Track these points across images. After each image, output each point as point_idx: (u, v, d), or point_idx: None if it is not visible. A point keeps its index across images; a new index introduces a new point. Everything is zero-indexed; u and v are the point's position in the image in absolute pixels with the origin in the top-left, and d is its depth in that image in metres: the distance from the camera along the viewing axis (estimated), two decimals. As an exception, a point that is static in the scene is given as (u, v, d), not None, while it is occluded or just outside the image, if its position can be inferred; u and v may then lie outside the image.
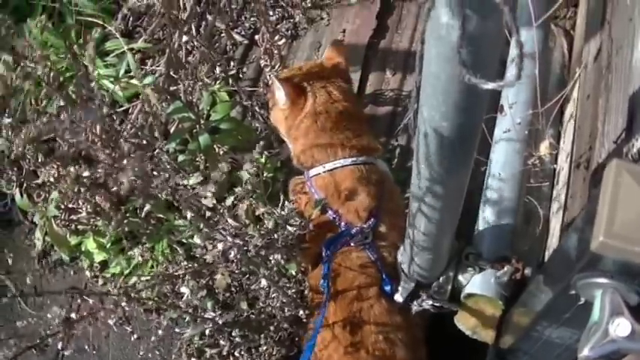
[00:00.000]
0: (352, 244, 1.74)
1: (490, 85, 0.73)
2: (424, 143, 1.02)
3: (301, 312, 1.77)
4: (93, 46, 1.51)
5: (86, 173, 1.50)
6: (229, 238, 1.50)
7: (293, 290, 1.83)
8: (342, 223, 1.77)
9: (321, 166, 1.85)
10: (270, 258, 1.69)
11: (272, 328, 1.87)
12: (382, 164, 1.95)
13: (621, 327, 0.84)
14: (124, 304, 1.38)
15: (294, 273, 1.90)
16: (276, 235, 1.63)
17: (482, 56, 0.78)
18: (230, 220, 1.63)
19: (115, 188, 1.44)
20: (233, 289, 1.95)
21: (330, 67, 1.99)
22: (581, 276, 0.93)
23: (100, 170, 1.44)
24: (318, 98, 1.89)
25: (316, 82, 1.92)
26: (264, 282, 1.64)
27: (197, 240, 1.80)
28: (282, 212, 1.69)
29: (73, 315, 1.42)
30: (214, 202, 1.66)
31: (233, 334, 1.87)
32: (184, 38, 2.00)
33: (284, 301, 1.79)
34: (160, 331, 1.91)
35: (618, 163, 0.87)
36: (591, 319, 0.89)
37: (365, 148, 1.88)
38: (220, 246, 1.52)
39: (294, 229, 1.69)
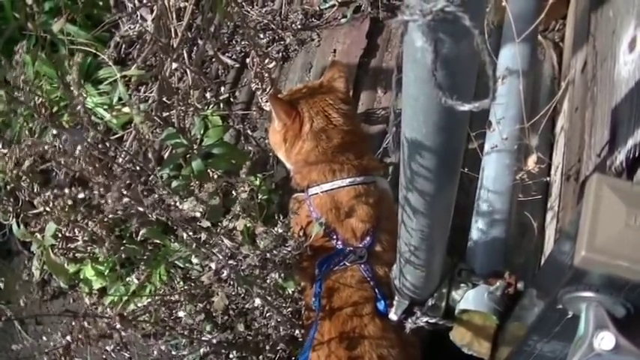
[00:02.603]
0: (347, 263, 1.74)
1: (466, 107, 0.74)
2: (408, 163, 1.03)
3: (297, 331, 1.78)
4: (75, 67, 1.53)
5: (81, 195, 1.52)
6: (220, 257, 1.51)
7: (289, 309, 1.83)
8: (339, 242, 1.77)
9: (319, 187, 1.83)
10: (267, 277, 1.70)
11: (268, 348, 1.88)
12: (383, 182, 1.93)
13: (606, 340, 0.85)
14: (119, 326, 1.39)
15: (290, 292, 1.90)
16: (269, 255, 1.64)
17: (458, 78, 0.79)
18: (226, 240, 1.64)
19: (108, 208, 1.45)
20: (231, 311, 1.96)
21: (330, 87, 1.95)
22: (566, 290, 0.94)
23: (95, 192, 1.46)
24: (316, 120, 1.85)
25: (315, 102, 1.88)
26: (257, 301, 1.65)
27: (194, 260, 1.81)
28: (280, 231, 1.69)
29: (69, 338, 1.42)
30: (209, 223, 1.66)
31: (230, 355, 1.87)
32: (175, 65, 2.01)
33: (279, 320, 1.79)
34: (157, 356, 1.91)
35: (599, 177, 0.88)
36: (577, 333, 0.90)
37: (365, 167, 1.86)
38: (213, 265, 1.53)
39: (291, 248, 1.69)
